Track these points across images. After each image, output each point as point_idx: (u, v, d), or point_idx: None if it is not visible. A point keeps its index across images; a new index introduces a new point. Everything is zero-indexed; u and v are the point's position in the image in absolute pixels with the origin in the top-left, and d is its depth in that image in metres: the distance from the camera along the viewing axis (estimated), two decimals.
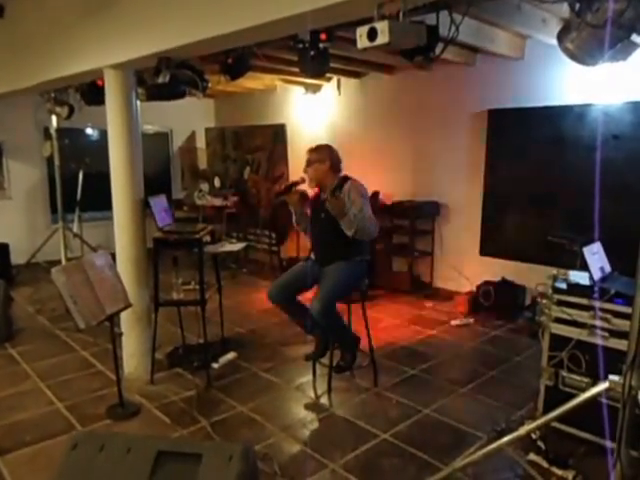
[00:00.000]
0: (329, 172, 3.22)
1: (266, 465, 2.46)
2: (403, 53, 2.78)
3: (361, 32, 2.19)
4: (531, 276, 4.27)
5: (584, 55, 2.47)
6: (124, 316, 3.33)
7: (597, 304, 2.46)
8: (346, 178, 3.25)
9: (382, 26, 2.11)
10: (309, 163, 3.24)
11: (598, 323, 2.46)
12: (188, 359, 3.62)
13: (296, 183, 3.28)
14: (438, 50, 2.73)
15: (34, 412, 3.04)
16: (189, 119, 7.79)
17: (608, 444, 2.22)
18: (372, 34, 2.15)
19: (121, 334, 3.37)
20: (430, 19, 2.52)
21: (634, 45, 2.54)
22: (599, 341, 2.45)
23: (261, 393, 3.26)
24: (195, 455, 1.84)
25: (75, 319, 2.70)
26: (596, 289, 2.48)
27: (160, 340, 3.53)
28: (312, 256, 3.36)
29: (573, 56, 2.51)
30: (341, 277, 3.12)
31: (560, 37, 2.53)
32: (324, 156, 3.21)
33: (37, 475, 2.45)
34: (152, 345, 3.41)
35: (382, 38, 2.13)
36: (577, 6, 2.41)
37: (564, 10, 2.93)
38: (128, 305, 3.06)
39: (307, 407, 3.13)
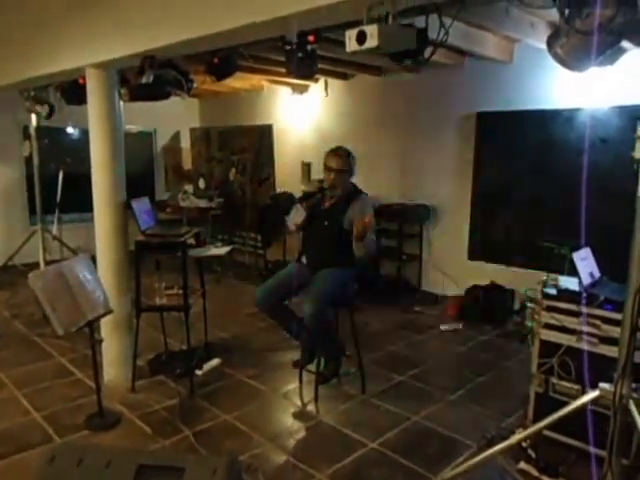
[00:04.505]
0: (347, 182, 3.22)
1: (251, 476, 2.39)
2: (392, 56, 2.74)
3: (350, 35, 2.15)
4: (520, 280, 4.27)
5: (573, 61, 2.46)
6: (104, 322, 3.23)
7: (586, 310, 2.44)
8: (357, 189, 3.24)
9: (371, 29, 2.08)
10: (334, 170, 3.16)
11: (587, 329, 2.45)
12: (171, 366, 3.53)
13: (321, 192, 3.23)
14: (427, 53, 2.70)
15: (9, 422, 2.93)
16: (173, 119, 7.67)
17: (598, 452, 2.20)
18: (361, 37, 2.11)
19: (101, 340, 3.26)
20: (419, 22, 2.49)
21: (622, 50, 2.54)
22: (588, 348, 2.43)
23: (246, 401, 3.18)
24: (178, 469, 1.77)
25: (53, 325, 2.61)
26: (585, 295, 2.46)
27: (142, 346, 3.42)
28: (303, 260, 3.31)
29: (562, 62, 2.49)
30: (333, 281, 3.09)
31: (550, 43, 2.52)
32: (350, 166, 3.19)
33: None
34: (133, 352, 3.31)
35: (371, 41, 2.09)
36: (566, 12, 2.39)
37: (553, 14, 2.92)
38: (109, 311, 2.97)
39: (293, 415, 3.07)
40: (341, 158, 3.17)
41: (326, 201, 3.24)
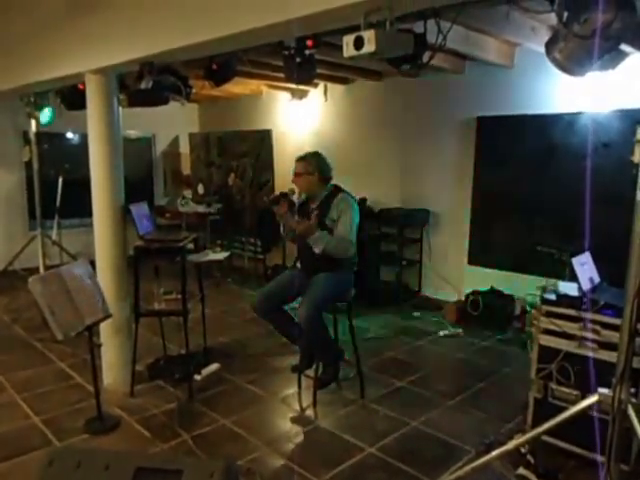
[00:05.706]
0: (318, 183, 3.17)
1: None
2: (390, 61, 2.75)
3: (347, 40, 2.16)
4: (520, 285, 4.26)
5: (572, 65, 2.46)
6: (103, 326, 3.22)
7: (586, 315, 2.44)
8: (337, 189, 3.20)
9: (368, 35, 2.09)
10: (297, 174, 3.17)
11: (587, 335, 2.44)
12: (170, 371, 3.52)
13: (285, 194, 3.21)
14: (425, 58, 2.71)
15: (9, 426, 2.92)
16: (172, 124, 7.68)
17: (598, 458, 2.20)
18: (358, 43, 2.13)
19: (100, 345, 3.26)
20: (418, 27, 2.50)
21: (623, 54, 2.54)
22: (588, 353, 2.42)
23: (245, 406, 3.17)
24: (175, 471, 1.76)
25: (52, 330, 2.60)
26: (585, 300, 2.45)
27: (141, 351, 3.41)
28: (298, 265, 3.31)
29: (561, 66, 2.49)
30: (328, 286, 3.08)
31: (548, 47, 2.52)
32: (312, 167, 3.14)
33: None
34: (132, 356, 3.31)
35: (368, 47, 2.10)
36: (565, 16, 2.40)
37: (553, 19, 2.93)
38: (108, 315, 2.96)
39: (292, 420, 3.06)
40: (299, 162, 3.17)
41: (311, 206, 3.22)
